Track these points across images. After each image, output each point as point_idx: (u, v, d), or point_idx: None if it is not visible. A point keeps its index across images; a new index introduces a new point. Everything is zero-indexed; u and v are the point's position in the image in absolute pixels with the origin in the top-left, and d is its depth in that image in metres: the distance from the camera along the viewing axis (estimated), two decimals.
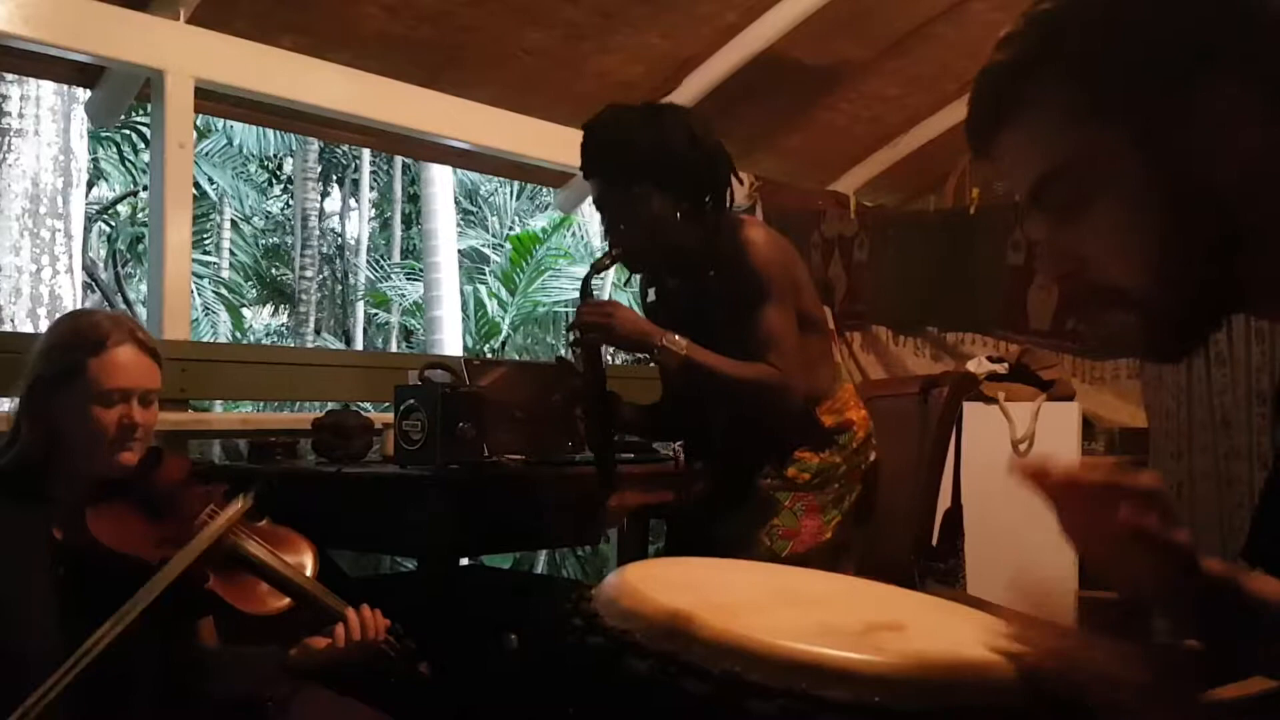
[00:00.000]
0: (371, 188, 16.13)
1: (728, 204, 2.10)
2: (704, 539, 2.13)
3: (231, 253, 14.67)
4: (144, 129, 10.68)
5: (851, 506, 2.13)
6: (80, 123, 6.47)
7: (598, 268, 2.14)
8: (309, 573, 1.66)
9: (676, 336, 1.98)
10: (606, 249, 2.13)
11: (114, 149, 12.49)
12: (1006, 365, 3.74)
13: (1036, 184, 0.79)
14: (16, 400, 1.65)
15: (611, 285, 9.99)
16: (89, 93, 2.90)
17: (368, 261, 15.34)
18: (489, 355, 12.07)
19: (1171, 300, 0.77)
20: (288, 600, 1.61)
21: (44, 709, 1.31)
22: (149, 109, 2.84)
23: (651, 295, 2.25)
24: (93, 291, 12.07)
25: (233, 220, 14.78)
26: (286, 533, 1.72)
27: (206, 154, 13.20)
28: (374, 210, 16.55)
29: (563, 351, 13.44)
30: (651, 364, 2.23)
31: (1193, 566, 0.84)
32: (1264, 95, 0.72)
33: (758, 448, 2.13)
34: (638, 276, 2.30)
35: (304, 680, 1.63)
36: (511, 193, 15.11)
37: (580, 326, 2.03)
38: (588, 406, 2.11)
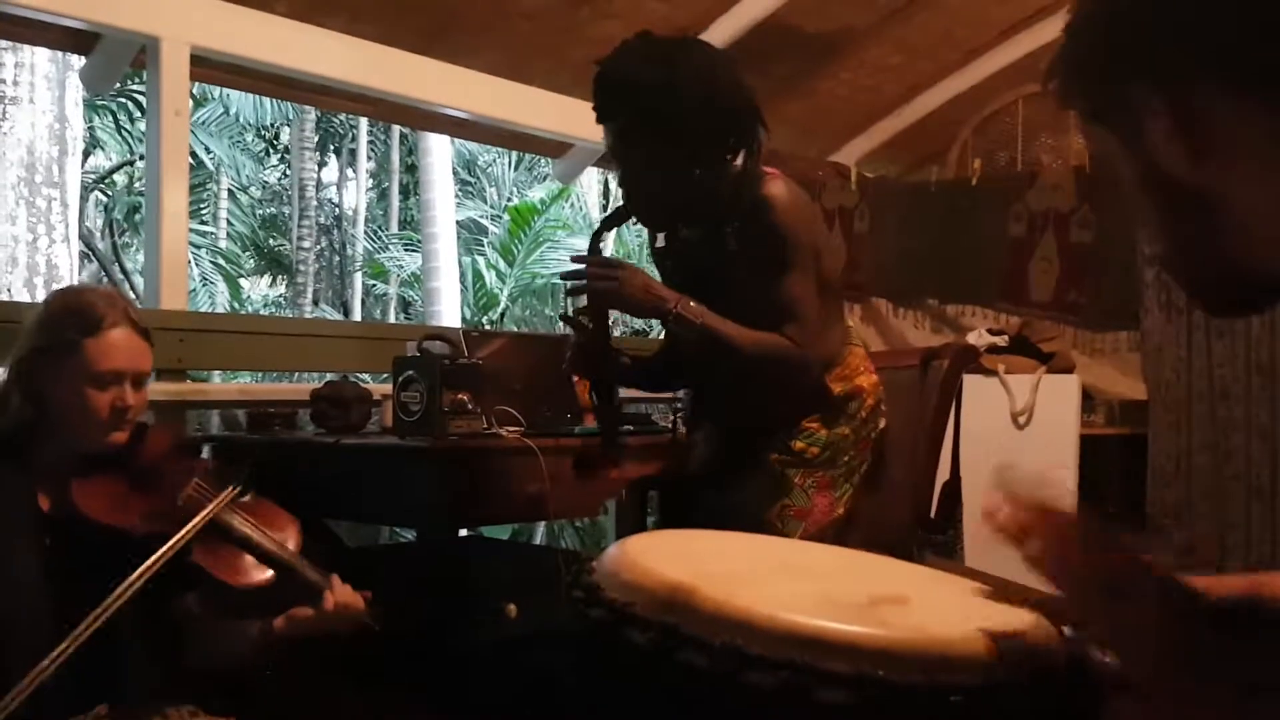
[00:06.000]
0: (369, 158, 16.05)
1: (753, 157, 1.93)
2: (705, 514, 2.03)
3: (229, 223, 14.60)
4: (140, 97, 10.61)
5: (861, 479, 2.04)
6: (76, 90, 6.42)
7: (609, 223, 2.02)
8: (292, 546, 1.68)
9: (692, 303, 1.86)
10: (620, 203, 1.99)
11: (110, 117, 12.41)
12: (1007, 337, 3.73)
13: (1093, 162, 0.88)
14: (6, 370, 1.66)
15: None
16: (84, 60, 2.87)
17: (365, 232, 15.29)
18: (487, 327, 12.05)
19: (1196, 270, 0.84)
20: (271, 573, 1.63)
21: (34, 690, 1.32)
22: (144, 76, 2.81)
23: (660, 240, 2.13)
24: (89, 261, 12.03)
25: (230, 190, 14.71)
26: (269, 507, 1.75)
27: (203, 123, 13.12)
28: (371, 180, 16.48)
29: (561, 323, 13.39)
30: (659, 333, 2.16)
31: (1191, 603, 0.83)
32: (1184, 91, 0.78)
33: (764, 414, 2.02)
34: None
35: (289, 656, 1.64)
36: (509, 163, 15.03)
37: (584, 289, 1.90)
38: (592, 369, 2.03)
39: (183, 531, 1.55)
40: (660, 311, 1.87)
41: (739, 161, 1.94)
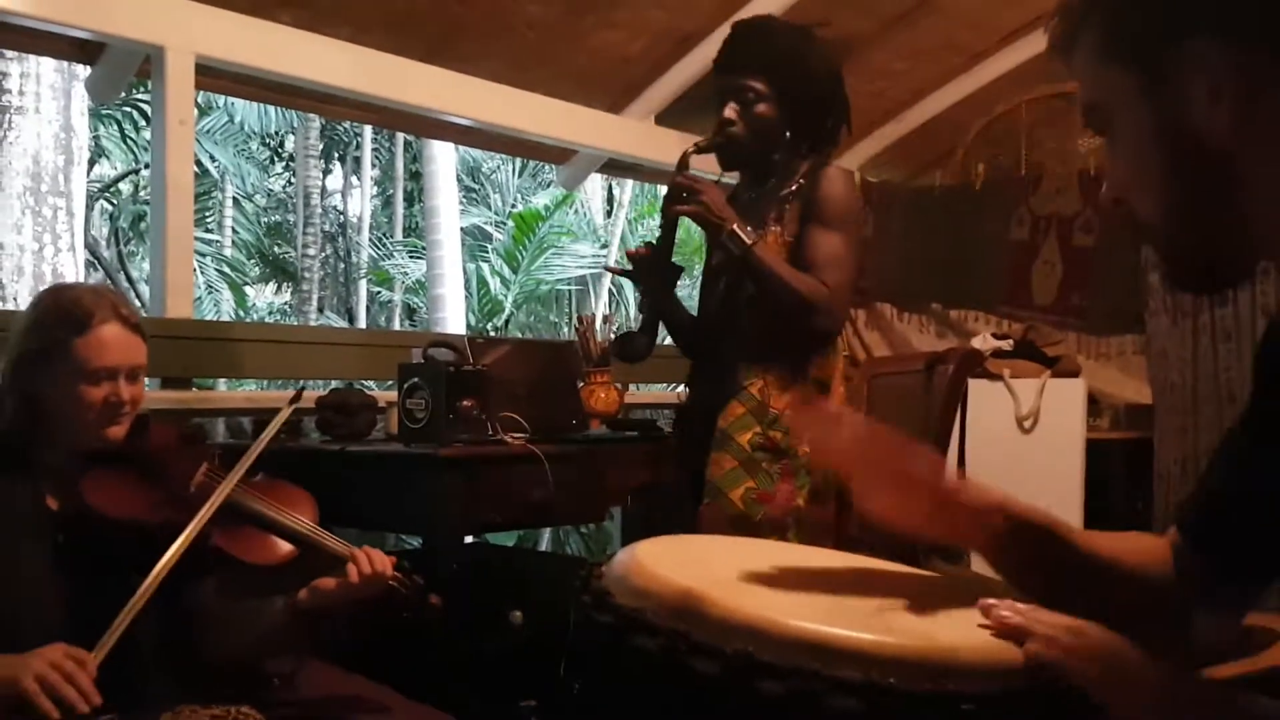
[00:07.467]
0: (373, 165, 16.07)
1: (833, 147, 2.23)
2: (682, 495, 2.18)
3: (234, 231, 14.63)
4: (145, 106, 10.64)
5: (825, 480, 2.10)
6: (81, 100, 6.42)
7: (698, 147, 2.20)
8: (309, 520, 1.67)
9: (749, 228, 2.08)
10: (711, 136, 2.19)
11: (115, 126, 12.43)
12: (1011, 342, 3.73)
13: (1083, 110, 0.88)
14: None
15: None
16: (89, 70, 2.88)
17: (370, 239, 15.30)
18: (492, 333, 12.05)
19: (1183, 237, 0.84)
20: (292, 548, 1.63)
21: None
22: (150, 86, 2.82)
23: None
24: (95, 270, 12.06)
25: (235, 198, 14.74)
26: (283, 485, 1.74)
27: (208, 131, 13.15)
28: (376, 188, 16.50)
29: (566, 329, 13.44)
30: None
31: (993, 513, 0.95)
32: (1249, 54, 0.77)
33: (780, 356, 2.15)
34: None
35: (312, 646, 1.64)
36: (513, 170, 15.05)
37: (672, 194, 2.14)
38: (652, 274, 2.24)
39: (214, 498, 1.53)
40: (722, 226, 2.08)
41: (818, 144, 2.21)
